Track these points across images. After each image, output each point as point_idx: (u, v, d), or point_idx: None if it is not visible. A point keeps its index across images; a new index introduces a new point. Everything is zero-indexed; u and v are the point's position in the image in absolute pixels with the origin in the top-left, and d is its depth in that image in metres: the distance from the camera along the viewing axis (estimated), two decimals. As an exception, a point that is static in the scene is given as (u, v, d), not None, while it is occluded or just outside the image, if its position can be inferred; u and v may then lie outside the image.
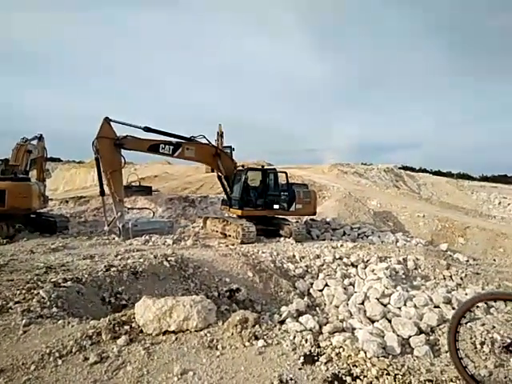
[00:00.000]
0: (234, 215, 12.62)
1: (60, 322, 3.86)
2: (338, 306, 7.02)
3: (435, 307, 6.64)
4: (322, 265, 8.59)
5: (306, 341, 3.31)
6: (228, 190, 12.78)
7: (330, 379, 2.76)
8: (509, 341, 2.91)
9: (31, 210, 11.84)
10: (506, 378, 3.90)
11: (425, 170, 50.55)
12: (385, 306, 6.74)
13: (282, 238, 11.87)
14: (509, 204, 28.17)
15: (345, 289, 7.49)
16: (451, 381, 2.91)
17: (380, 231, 14.30)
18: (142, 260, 6.81)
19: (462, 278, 8.44)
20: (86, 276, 5.72)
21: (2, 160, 12.83)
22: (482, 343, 5.21)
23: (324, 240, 12.49)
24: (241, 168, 12.93)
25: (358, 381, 2.74)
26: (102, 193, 11.25)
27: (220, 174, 12.90)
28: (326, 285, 7.72)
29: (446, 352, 3.85)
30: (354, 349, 3.24)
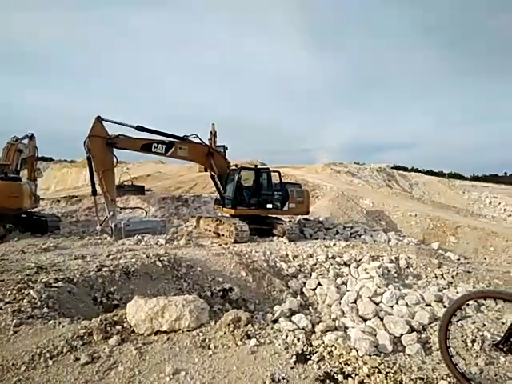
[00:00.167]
0: (227, 214, 12.60)
1: (51, 322, 3.82)
2: (330, 305, 7.04)
3: (427, 305, 6.69)
4: (315, 264, 8.61)
5: (299, 340, 3.31)
6: (221, 189, 12.75)
7: (322, 378, 2.77)
8: (498, 339, 2.94)
9: (22, 210, 11.72)
10: (496, 375, 3.94)
11: (417, 170, 50.97)
12: (377, 304, 6.77)
13: (275, 238, 11.88)
14: (499, 203, 28.48)
15: (337, 288, 7.52)
16: (442, 378, 2.94)
17: (372, 230, 14.38)
18: (134, 260, 6.78)
19: (453, 277, 8.52)
20: (77, 276, 5.67)
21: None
22: (473, 341, 5.27)
23: (317, 239, 12.53)
24: (234, 167, 12.91)
25: (349, 379, 2.76)
26: (94, 192, 11.16)
27: (213, 174, 12.87)
28: (319, 284, 7.74)
29: (438, 350, 3.88)
30: (345, 347, 3.25)
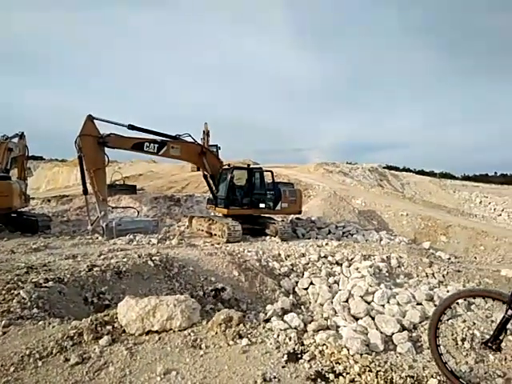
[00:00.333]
0: (220, 214, 12.59)
1: (40, 322, 3.78)
2: (322, 304, 7.08)
3: (418, 304, 6.75)
4: (307, 263, 8.64)
5: (290, 339, 3.32)
6: (214, 188, 12.73)
7: (313, 377, 2.77)
8: (487, 337, 2.98)
9: (12, 209, 11.60)
10: (486, 373, 3.99)
11: (408, 170, 51.36)
12: (368, 303, 6.82)
13: (267, 237, 11.91)
14: (489, 203, 28.78)
15: (329, 287, 7.55)
16: (432, 377, 2.96)
17: (364, 230, 14.47)
18: (125, 259, 6.74)
19: (443, 276, 8.59)
20: (68, 276, 5.63)
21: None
22: (463, 339, 5.33)
23: (309, 239, 12.59)
24: (226, 167, 12.90)
25: (340, 378, 2.76)
26: (85, 192, 11.08)
27: (206, 173, 12.85)
28: (311, 283, 7.77)
29: (428, 348, 3.92)
30: (337, 346, 3.26)
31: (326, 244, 10.77)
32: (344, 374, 2.80)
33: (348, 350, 3.21)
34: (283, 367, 2.91)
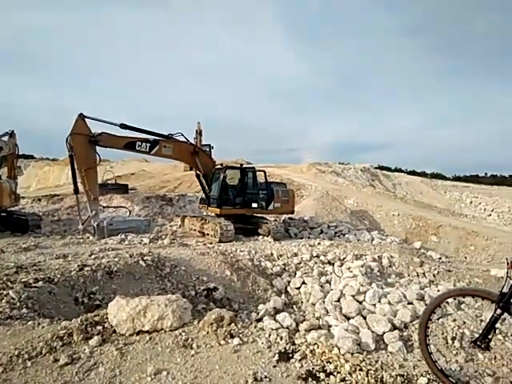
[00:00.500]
0: (213, 214, 12.56)
1: (30, 323, 3.74)
2: (314, 304, 7.10)
3: (409, 304, 6.79)
4: (300, 263, 8.66)
5: (281, 338, 3.32)
6: (206, 188, 12.70)
7: (304, 376, 2.78)
8: (477, 336, 3.01)
9: (1, 209, 11.49)
10: (475, 372, 4.04)
11: (400, 170, 51.72)
12: (360, 303, 6.86)
13: (260, 237, 11.90)
14: (480, 203, 29.10)
15: (321, 286, 7.58)
16: (422, 375, 2.98)
17: (356, 230, 14.53)
18: (117, 259, 6.70)
19: (434, 275, 8.66)
20: (58, 276, 5.58)
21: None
22: (453, 338, 5.38)
23: (302, 238, 12.61)
24: (219, 166, 12.88)
25: (331, 377, 2.77)
26: (76, 191, 10.99)
27: (198, 173, 12.81)
28: (303, 283, 7.79)
29: (419, 347, 3.95)
30: (328, 345, 3.27)
31: (319, 244, 10.80)
32: (335, 373, 2.82)
33: (339, 349, 3.22)
34: (274, 367, 2.92)
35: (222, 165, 13.09)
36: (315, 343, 3.26)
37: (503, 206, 27.48)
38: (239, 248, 9.34)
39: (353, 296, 6.97)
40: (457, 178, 52.88)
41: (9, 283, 5.00)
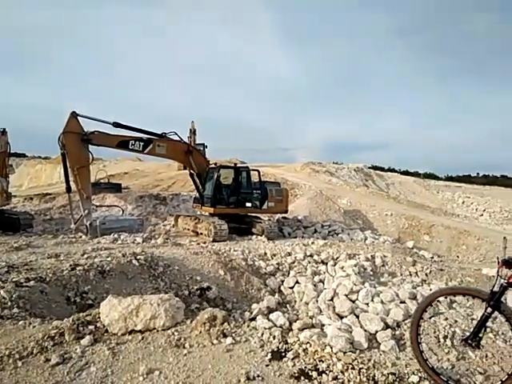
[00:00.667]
0: (206, 213, 12.53)
1: (21, 322, 3.72)
2: (307, 303, 7.11)
3: (401, 303, 6.82)
4: (293, 262, 8.67)
5: (274, 337, 3.33)
6: (200, 187, 12.67)
7: (296, 375, 2.79)
8: (468, 334, 3.04)
9: (-7, 207, 11.35)
10: (467, 370, 4.06)
11: (393, 170, 51.97)
12: (353, 302, 6.88)
13: (254, 236, 11.90)
14: (472, 203, 29.31)
15: (315, 286, 7.59)
16: (413, 373, 3.00)
17: (349, 229, 14.58)
18: (109, 259, 6.65)
19: (426, 275, 8.72)
20: (50, 275, 5.53)
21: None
22: (445, 337, 5.42)
23: (295, 238, 12.62)
24: (213, 166, 12.85)
25: (323, 375, 2.79)
26: (69, 189, 10.90)
27: (192, 172, 12.77)
28: (297, 282, 7.80)
29: (411, 346, 3.97)
30: (320, 344, 3.29)
31: (312, 243, 10.82)
32: (327, 372, 2.83)
33: (331, 347, 3.23)
34: (267, 366, 2.92)
35: (215, 164, 13.06)
36: (308, 342, 3.27)
37: (495, 205, 27.72)
38: (233, 247, 9.33)
39: (346, 295, 6.99)
40: (449, 178, 53.26)
41: (0, 283, 4.94)
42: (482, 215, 26.60)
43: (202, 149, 23.03)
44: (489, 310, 2.85)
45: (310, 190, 19.99)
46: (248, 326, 3.65)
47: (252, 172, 12.86)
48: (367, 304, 6.81)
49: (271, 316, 6.07)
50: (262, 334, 3.40)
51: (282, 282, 7.92)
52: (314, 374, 2.80)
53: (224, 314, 3.62)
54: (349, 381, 2.74)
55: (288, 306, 7.15)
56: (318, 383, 2.74)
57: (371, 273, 8.41)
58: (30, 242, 9.18)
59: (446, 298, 6.09)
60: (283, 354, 3.08)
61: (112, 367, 2.89)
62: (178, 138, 12.40)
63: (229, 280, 7.30)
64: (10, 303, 4.34)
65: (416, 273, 8.75)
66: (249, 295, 7.19)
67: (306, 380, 2.74)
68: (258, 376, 2.77)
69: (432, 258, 11.58)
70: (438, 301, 3.26)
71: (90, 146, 10.78)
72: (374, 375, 2.82)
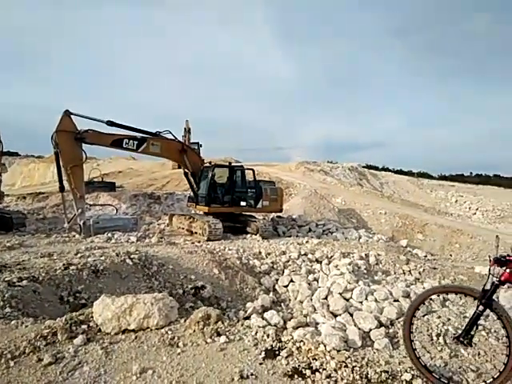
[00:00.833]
0: (201, 212, 12.52)
1: (13, 322, 3.69)
2: (302, 302, 7.13)
3: (395, 301, 6.86)
4: (288, 261, 8.68)
5: (268, 336, 3.33)
6: (194, 186, 12.65)
7: (290, 373, 2.79)
8: (460, 332, 3.06)
9: (-15, 207, 11.24)
10: (460, 368, 4.09)
11: (387, 169, 52.13)
12: (347, 300, 6.90)
13: (248, 235, 11.90)
14: (465, 202, 29.50)
15: (309, 284, 7.61)
16: (406, 371, 3.02)
17: (344, 228, 14.63)
18: (103, 258, 6.62)
19: (420, 273, 8.77)
20: (43, 275, 5.50)
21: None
22: (438, 335, 5.45)
23: (290, 237, 12.64)
24: (208, 164, 12.83)
25: (317, 374, 2.79)
26: (62, 189, 10.83)
27: (186, 171, 12.75)
28: (291, 281, 7.81)
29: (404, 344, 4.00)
30: (314, 342, 3.29)
31: (307, 242, 10.85)
32: (320, 370, 2.84)
33: (325, 346, 3.24)
34: (261, 364, 2.93)
35: (210, 163, 13.04)
36: (301, 340, 3.28)
37: (488, 204, 27.92)
38: (227, 246, 9.33)
39: (340, 293, 7.01)
40: (443, 177, 53.53)
41: (-8, 282, 4.91)
42: (475, 214, 26.78)
43: (196, 148, 22.99)
44: (480, 307, 2.87)
45: (305, 189, 20.03)
46: (242, 325, 3.66)
47: (247, 171, 12.86)
48: (361, 302, 6.84)
49: (265, 315, 6.07)
50: (256, 333, 3.41)
51: (277, 280, 7.92)
52: (308, 372, 2.81)
53: (218, 312, 3.62)
54: (342, 379, 2.75)
55: (282, 304, 7.15)
56: (311, 381, 2.75)
57: (365, 271, 8.45)
58: (22, 242, 9.12)
59: (438, 296, 6.13)
60: (277, 352, 3.09)
61: (105, 367, 2.88)
62: (173, 137, 12.37)
63: (223, 279, 7.29)
64: (2, 303, 4.31)
65: (409, 271, 8.80)
66: (243, 294, 7.18)
67: (300, 378, 2.75)
68: (252, 374, 2.77)
69: (425, 256, 11.64)
70: (431, 299, 3.28)
71: (83, 144, 10.72)
72: (367, 373, 2.83)
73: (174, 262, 7.34)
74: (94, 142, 10.97)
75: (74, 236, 10.39)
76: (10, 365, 2.89)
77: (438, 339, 5.37)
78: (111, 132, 11.19)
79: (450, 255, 13.85)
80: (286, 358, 3.00)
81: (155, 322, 3.44)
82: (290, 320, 6.14)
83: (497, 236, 3.35)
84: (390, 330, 5.97)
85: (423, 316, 5.68)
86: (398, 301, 6.88)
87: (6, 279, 5.06)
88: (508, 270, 2.81)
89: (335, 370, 2.83)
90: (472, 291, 3.06)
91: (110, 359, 2.97)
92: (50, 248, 8.47)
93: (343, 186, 24.07)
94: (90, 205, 13.58)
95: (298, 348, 3.14)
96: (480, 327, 4.86)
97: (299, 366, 2.89)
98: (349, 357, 3.06)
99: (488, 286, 2.88)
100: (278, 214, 14.32)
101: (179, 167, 14.23)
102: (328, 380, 2.74)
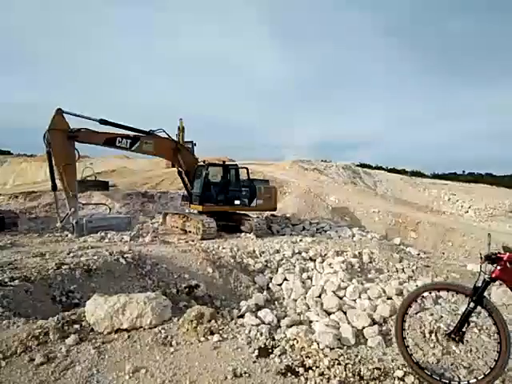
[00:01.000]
0: (195, 211, 12.49)
1: (5, 322, 3.66)
2: (296, 300, 7.15)
3: (388, 299, 6.91)
4: (282, 259, 8.70)
5: (261, 334, 3.34)
6: (188, 185, 12.62)
7: (283, 371, 2.80)
8: (451, 328, 3.09)
9: (-24, 206, 11.13)
10: (452, 364, 4.13)
11: (380, 168, 52.20)
12: (341, 298, 6.94)
13: (242, 234, 11.89)
14: (457, 200, 29.67)
15: (303, 283, 7.64)
16: (398, 368, 3.04)
17: (337, 226, 14.67)
18: (96, 257, 6.58)
19: (413, 271, 8.83)
20: (35, 274, 5.45)
21: None
22: (431, 332, 5.50)
23: (284, 235, 12.65)
24: (202, 163, 12.80)
25: (310, 371, 2.80)
26: (54, 188, 10.73)
27: (180, 169, 12.71)
28: (285, 279, 7.84)
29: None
30: (307, 340, 3.30)
31: (300, 240, 10.87)
32: (314, 368, 2.85)
33: (318, 343, 3.25)
34: (254, 362, 2.93)
35: (204, 162, 13.01)
36: (295, 338, 3.28)
37: (480, 203, 28.11)
38: (221, 245, 9.32)
39: (334, 292, 7.04)
40: (435, 176, 53.82)
41: (-17, 282, 4.86)
42: (468, 212, 26.97)
43: (190, 146, 22.92)
44: (471, 304, 2.90)
45: (299, 187, 20.04)
46: (235, 323, 3.66)
47: (241, 170, 12.86)
48: (354, 300, 6.88)
49: (259, 313, 6.09)
50: (250, 331, 3.41)
51: (271, 279, 7.94)
52: (301, 370, 2.82)
53: (211, 311, 3.62)
54: (335, 376, 2.76)
55: (276, 302, 7.17)
56: (304, 379, 2.76)
57: (359, 269, 8.48)
58: (14, 241, 9.04)
59: (430, 293, 6.17)
60: (270, 350, 3.09)
61: (97, 366, 2.86)
62: (166, 136, 12.32)
63: (217, 278, 7.29)
64: (-7, 303, 4.28)
65: (402, 269, 8.86)
66: (237, 292, 7.19)
67: (293, 376, 2.76)
68: (245, 373, 2.77)
69: (418, 254, 11.72)
70: (423, 296, 3.30)
71: (76, 143, 10.64)
72: (360, 370, 2.85)
73: (167, 261, 7.31)
74: (87, 140, 10.89)
75: (67, 235, 10.30)
76: (2, 365, 2.87)
77: (431, 336, 5.41)
78: (104, 131, 11.12)
79: (443, 253, 13.93)
80: (280, 356, 3.00)
81: (148, 322, 3.43)
82: (283, 318, 6.16)
83: (489, 234, 3.38)
84: (383, 328, 6.01)
85: (416, 313, 5.72)
86: (391, 299, 6.93)
87: (-2, 279, 5.01)
88: (499, 267, 2.83)
89: (328, 368, 2.84)
90: (463, 288, 3.09)
91: (102, 359, 2.96)
92: (42, 247, 8.40)
93: (337, 184, 24.14)
94: (83, 204, 13.48)
95: (291, 346, 3.15)
96: (472, 324, 4.91)
97: (292, 364, 2.89)
98: (342, 354, 3.07)
99: (479, 283, 2.90)
100: (272, 212, 14.35)
101: (173, 166, 14.19)
102: (321, 378, 2.75)
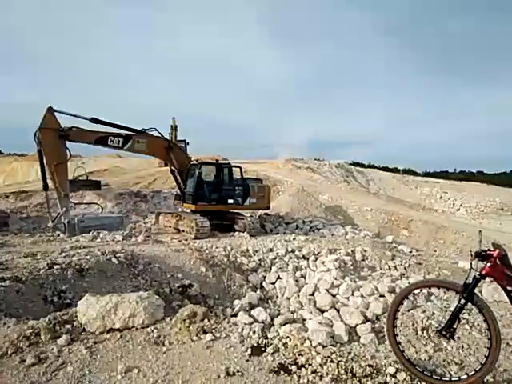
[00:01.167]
0: (188, 210, 12.45)
1: (-5, 323, 3.62)
2: (289, 298, 7.17)
3: (381, 296, 6.94)
4: (275, 258, 8.71)
5: (254, 333, 3.34)
6: (181, 184, 12.57)
7: (276, 369, 2.81)
8: (442, 325, 3.12)
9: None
10: (444, 361, 4.17)
11: (373, 166, 52.43)
12: (334, 296, 6.96)
13: (236, 233, 11.88)
14: (449, 198, 29.95)
15: (296, 281, 7.65)
16: (390, 365, 3.06)
17: (331, 224, 14.71)
18: (88, 257, 6.54)
19: (405, 268, 8.88)
20: (26, 274, 5.41)
21: None
22: (423, 329, 5.54)
23: (277, 234, 12.64)
24: (195, 162, 12.75)
25: (303, 369, 2.81)
26: (46, 187, 10.62)
27: (173, 168, 12.65)
28: (279, 277, 7.85)
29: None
30: (300, 338, 3.31)
31: (294, 239, 10.87)
32: (306, 366, 2.86)
33: (311, 341, 3.26)
34: (247, 361, 2.93)
35: (197, 161, 12.97)
36: (288, 336, 3.29)
37: (471, 200, 28.41)
38: (215, 244, 9.30)
39: (327, 289, 7.06)
40: (427, 174, 54.17)
41: (-26, 283, 4.81)
42: (459, 210, 27.25)
43: (183, 145, 22.85)
44: (462, 301, 2.92)
45: (292, 186, 20.07)
46: (228, 322, 3.66)
47: (234, 169, 12.83)
48: (347, 298, 6.90)
49: (253, 312, 6.09)
50: (242, 330, 3.41)
51: (264, 277, 7.95)
52: (294, 367, 2.83)
53: (204, 310, 3.61)
54: (327, 374, 2.77)
55: (270, 301, 7.18)
56: (297, 377, 2.77)
57: (351, 267, 8.51)
58: (5, 241, 8.96)
59: (421, 290, 6.21)
60: (263, 348, 3.10)
61: (89, 366, 2.85)
62: (159, 134, 12.25)
63: (211, 277, 7.28)
64: (-16, 304, 4.23)
65: (395, 267, 8.90)
66: (231, 291, 7.18)
67: (286, 374, 2.76)
68: (238, 371, 2.78)
69: (410, 252, 11.78)
70: (414, 293, 3.33)
71: (67, 142, 10.53)
72: (352, 367, 2.86)
73: (160, 261, 7.29)
74: (78, 139, 10.78)
75: (59, 235, 10.23)
76: (-8, 366, 2.84)
77: (423, 333, 5.45)
78: (96, 129, 11.03)
79: (435, 251, 14.04)
80: (272, 354, 3.01)
81: (141, 321, 3.41)
82: (277, 317, 6.17)
83: (480, 231, 3.41)
84: (376, 325, 6.04)
85: (408, 311, 5.76)
86: (383, 296, 6.96)
87: (-12, 280, 4.96)
88: (489, 264, 2.86)
89: (321, 366, 2.85)
90: (454, 285, 3.12)
91: (94, 359, 2.94)
92: (33, 247, 8.33)
93: (330, 183, 24.21)
94: (75, 203, 13.37)
95: (284, 344, 3.16)
96: (464, 321, 4.95)
97: (285, 361, 2.90)
98: (334, 352, 3.09)
99: (469, 280, 2.93)
100: (266, 211, 14.35)
101: (166, 165, 14.11)
102: (313, 375, 2.76)
